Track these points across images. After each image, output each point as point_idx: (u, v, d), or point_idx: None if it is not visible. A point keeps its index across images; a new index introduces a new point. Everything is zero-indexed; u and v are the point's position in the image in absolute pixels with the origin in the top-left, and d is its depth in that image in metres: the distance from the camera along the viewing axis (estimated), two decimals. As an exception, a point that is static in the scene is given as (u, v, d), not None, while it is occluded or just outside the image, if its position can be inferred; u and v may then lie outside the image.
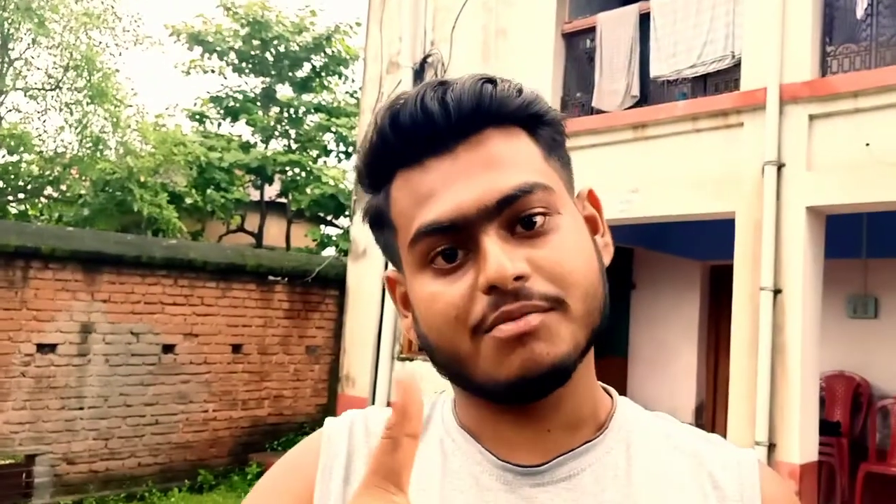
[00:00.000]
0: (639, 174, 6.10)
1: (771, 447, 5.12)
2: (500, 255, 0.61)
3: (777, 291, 5.25)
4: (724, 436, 4.97)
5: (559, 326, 0.63)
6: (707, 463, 0.70)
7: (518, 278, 0.61)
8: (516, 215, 0.64)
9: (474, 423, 0.71)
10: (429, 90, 0.66)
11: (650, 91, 6.45)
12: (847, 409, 6.34)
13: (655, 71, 6.27)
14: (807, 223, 5.26)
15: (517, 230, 0.64)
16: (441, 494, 0.67)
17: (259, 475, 7.01)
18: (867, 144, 5.05)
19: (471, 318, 0.62)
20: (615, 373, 7.67)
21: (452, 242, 0.64)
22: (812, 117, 5.31)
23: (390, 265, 0.75)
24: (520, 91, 0.68)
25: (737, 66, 5.82)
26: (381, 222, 0.71)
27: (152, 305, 6.83)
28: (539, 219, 0.64)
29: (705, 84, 6.14)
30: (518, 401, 0.66)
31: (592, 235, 0.71)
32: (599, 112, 6.56)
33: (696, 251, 7.22)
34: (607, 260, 0.71)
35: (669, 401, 7.57)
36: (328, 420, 0.77)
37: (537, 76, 6.86)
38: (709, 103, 5.87)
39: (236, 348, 7.35)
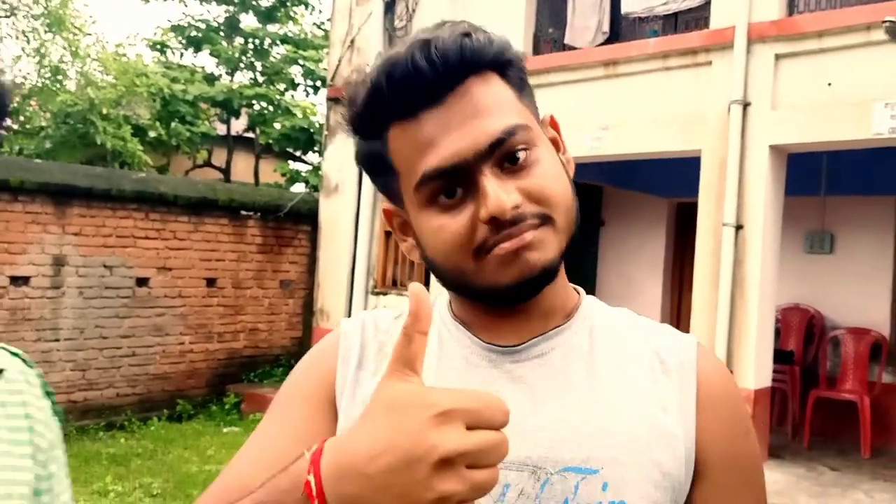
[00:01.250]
0: (609, 112, 6.20)
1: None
2: (497, 192, 0.72)
3: (739, 227, 5.46)
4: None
5: (547, 237, 0.76)
6: (654, 343, 0.84)
7: (515, 208, 0.73)
8: (504, 154, 0.75)
9: (466, 316, 0.85)
10: (416, 49, 0.73)
11: (622, 28, 6.48)
12: (801, 339, 6.67)
13: (627, 7, 6.30)
14: (770, 161, 5.44)
15: (505, 166, 0.75)
16: (437, 373, 0.80)
17: (237, 405, 7.19)
18: (829, 84, 5.20)
19: (474, 242, 0.75)
20: (581, 306, 7.94)
21: (453, 183, 0.75)
22: (778, 57, 5.43)
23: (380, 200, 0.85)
24: (491, 41, 0.78)
25: (707, 3, 5.88)
26: (378, 167, 0.81)
27: (124, 239, 6.83)
28: (522, 154, 0.75)
29: (676, 22, 6.20)
30: (516, 301, 0.79)
31: (558, 152, 0.82)
32: (571, 48, 6.59)
33: (664, 189, 7.40)
34: (571, 173, 0.83)
35: (633, 332, 7.89)
36: (343, 320, 0.91)
37: (510, 12, 6.84)
38: (679, 41, 5.95)
39: (210, 282, 7.42)
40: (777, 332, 6.68)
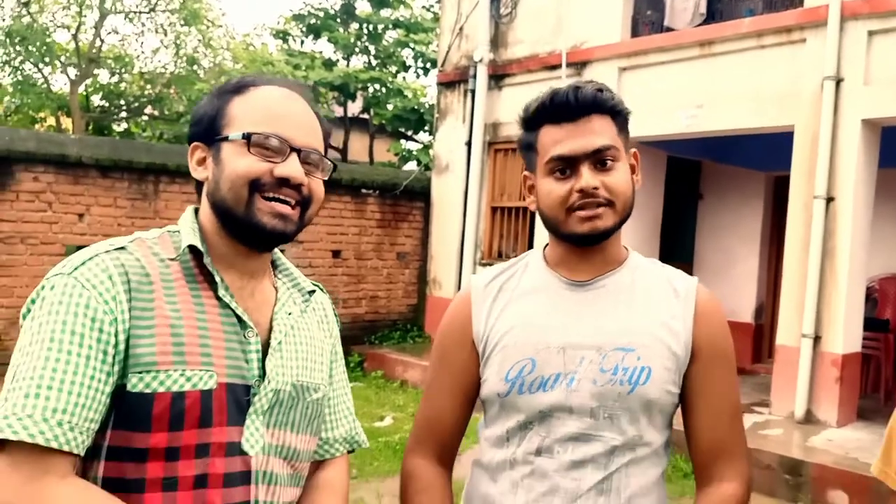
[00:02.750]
0: (705, 90, 6.47)
1: (816, 339, 5.67)
2: (588, 176, 1.25)
3: (830, 199, 5.67)
4: (773, 330, 5.60)
5: (607, 214, 1.27)
6: (672, 280, 1.35)
7: (595, 188, 1.26)
8: (598, 159, 1.26)
9: (555, 259, 1.37)
10: (571, 89, 1.27)
11: (718, 8, 6.71)
12: (897, 308, 6.77)
13: (724, -12, 6.52)
14: (861, 135, 5.60)
15: (597, 166, 1.27)
16: (532, 299, 1.34)
17: (360, 364, 8.03)
18: (923, 59, 5.32)
19: (567, 203, 1.27)
20: (680, 276, 8.23)
21: (566, 165, 1.27)
22: (871, 33, 5.56)
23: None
24: (612, 98, 1.30)
25: (803, -18, 6.04)
26: (529, 147, 1.33)
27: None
28: (608, 162, 1.27)
29: (771, 2, 6.38)
30: (584, 244, 1.31)
31: (632, 174, 1.34)
32: (669, 30, 6.87)
33: (761, 163, 7.56)
34: (637, 187, 1.36)
35: (730, 303, 8.09)
36: (474, 276, 1.46)
37: (610, -5, 7.19)
38: (774, 20, 6.14)
39: (336, 254, 8.26)
40: (874, 302, 6.81)
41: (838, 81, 5.66)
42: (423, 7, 15.55)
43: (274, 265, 1.25)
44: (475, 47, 8.30)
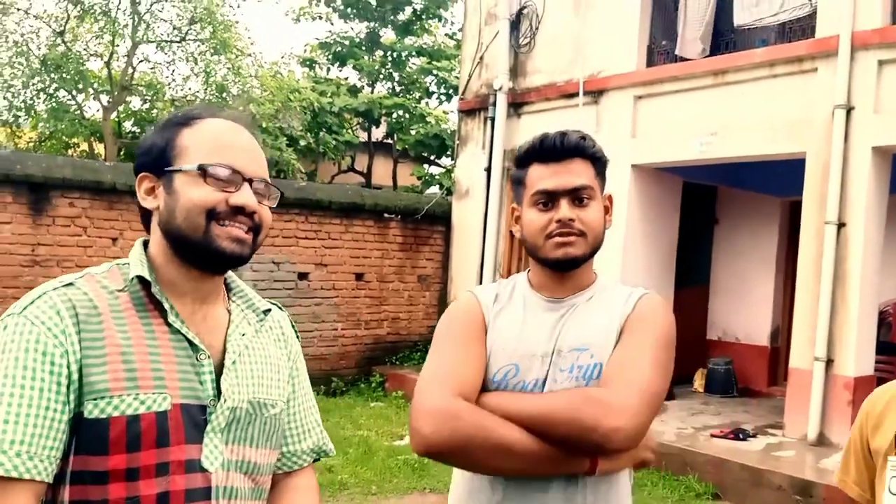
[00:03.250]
0: (718, 118, 6.62)
1: (829, 363, 5.75)
2: (566, 210, 1.48)
3: (841, 225, 5.78)
4: (788, 353, 5.69)
5: (580, 243, 1.49)
6: (628, 294, 1.55)
7: (571, 220, 1.48)
8: (576, 196, 1.49)
9: (537, 281, 1.58)
10: (558, 135, 1.50)
11: (732, 39, 6.88)
12: (914, 333, 6.81)
13: (739, 20, 6.66)
14: (872, 162, 5.71)
15: (575, 202, 1.49)
16: (520, 314, 1.54)
17: (381, 384, 8.21)
18: (931, 89, 5.44)
19: (546, 231, 1.49)
20: (697, 300, 8.33)
21: (547, 199, 1.49)
22: (881, 63, 5.69)
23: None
24: (593, 145, 1.54)
25: (813, 13, 6.19)
26: (519, 182, 1.56)
27: (288, 239, 8.01)
28: (585, 200, 1.50)
29: (783, 31, 6.53)
30: (560, 269, 1.52)
31: (605, 214, 1.56)
32: (682, 59, 7.04)
33: (776, 188, 7.67)
34: (608, 227, 1.57)
35: (746, 326, 8.19)
36: (475, 288, 1.66)
37: (625, 25, 7.38)
38: (786, 50, 6.29)
39: (359, 276, 8.50)
40: (889, 326, 6.86)
41: (849, 110, 5.79)
42: (447, 35, 15.90)
43: (228, 288, 1.30)
44: (495, 76, 8.54)
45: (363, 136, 14.86)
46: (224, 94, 15.18)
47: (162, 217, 1.20)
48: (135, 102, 15.16)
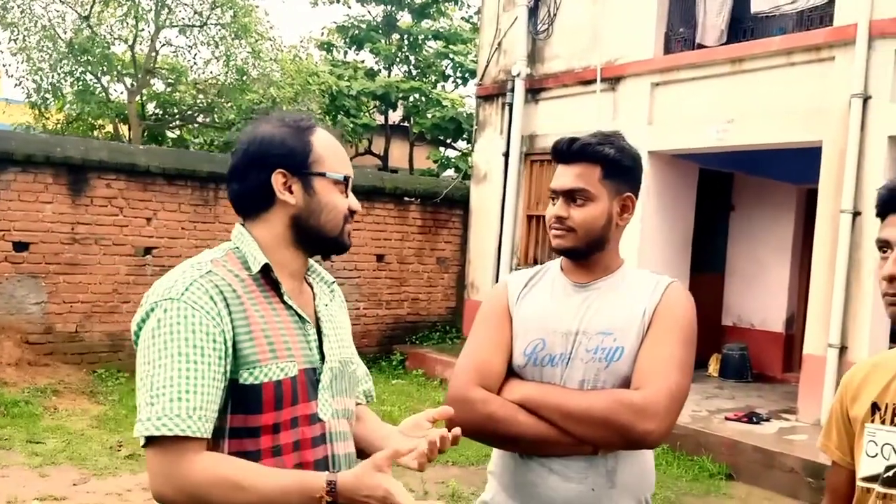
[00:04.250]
0: (735, 105, 6.68)
1: (842, 349, 5.85)
2: (560, 208, 1.67)
3: (856, 213, 5.85)
4: (802, 340, 5.80)
5: (569, 238, 1.66)
6: (652, 282, 1.70)
7: (561, 217, 1.66)
8: (571, 196, 1.66)
9: (565, 265, 1.76)
10: (567, 140, 1.67)
11: (750, 27, 6.91)
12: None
13: (756, 7, 6.68)
14: (888, 151, 5.77)
15: (570, 202, 1.66)
16: (547, 294, 1.73)
17: (402, 363, 8.39)
18: (948, 79, 5.48)
19: (549, 223, 1.70)
20: (712, 286, 8.41)
21: (554, 195, 1.69)
22: (899, 52, 5.73)
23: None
24: (604, 148, 1.66)
25: (831, 1, 6.21)
26: None
27: (313, 221, 8.19)
28: (580, 200, 1.65)
29: (801, 19, 6.56)
30: (563, 255, 1.71)
31: (620, 214, 1.69)
32: (701, 46, 7.09)
33: (793, 176, 7.70)
34: (623, 224, 1.72)
35: (761, 313, 8.28)
36: (510, 274, 1.84)
37: (643, 12, 7.43)
38: (803, 38, 6.33)
39: (380, 258, 8.68)
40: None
41: (866, 99, 5.84)
42: (463, 18, 15.90)
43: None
44: (513, 62, 8.62)
45: (380, 119, 14.96)
46: (244, 78, 15.31)
47: (301, 212, 1.41)
48: (158, 85, 15.35)
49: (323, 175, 1.40)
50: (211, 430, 1.27)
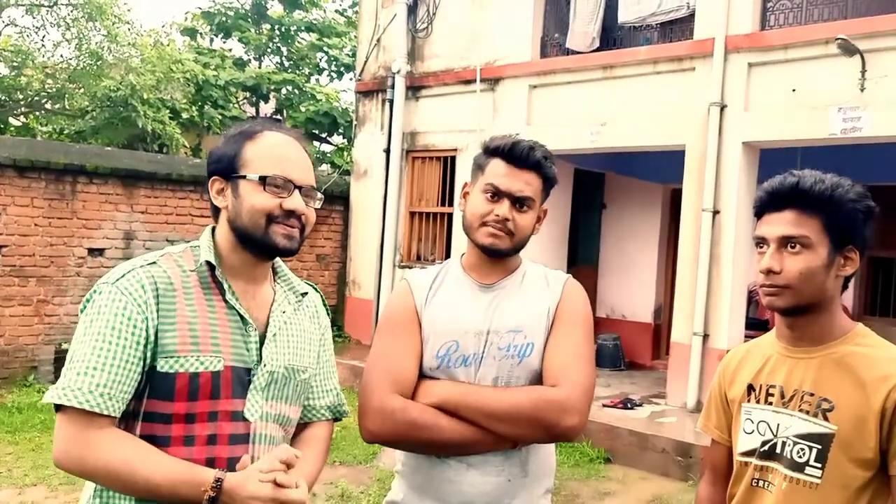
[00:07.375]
0: (607, 109, 7.06)
1: (705, 337, 6.35)
2: (506, 210, 1.68)
3: (716, 212, 6.36)
4: (670, 329, 6.22)
5: (506, 240, 1.69)
6: (547, 277, 1.78)
7: (506, 219, 1.67)
8: (517, 202, 1.69)
9: (469, 264, 1.78)
10: (527, 147, 1.69)
11: (619, 36, 7.31)
12: (775, 309, 7.57)
13: (623, 17, 7.10)
14: (742, 155, 6.30)
15: (515, 206, 1.69)
16: (455, 295, 1.75)
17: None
18: (794, 90, 6.06)
19: (484, 218, 1.69)
20: (586, 279, 8.81)
21: (496, 194, 1.69)
22: (751, 65, 6.26)
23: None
24: (550, 166, 1.73)
25: (692, 15, 6.68)
26: (479, 167, 1.74)
27: (183, 217, 7.83)
28: (525, 208, 1.70)
29: (665, 32, 7.02)
30: (486, 254, 1.73)
31: (536, 223, 1.75)
32: (573, 52, 7.41)
33: (660, 176, 8.22)
34: (536, 232, 1.78)
35: (632, 304, 8.78)
36: (411, 273, 1.84)
37: (520, 16, 7.68)
38: (667, 49, 6.79)
39: (256, 255, 8.42)
40: (756, 304, 7.60)
41: (722, 107, 6.34)
42: (337, 11, 15.70)
43: (275, 272, 1.57)
44: (393, 59, 8.64)
45: (251, 112, 14.50)
46: (99, 63, 14.37)
47: (230, 215, 1.46)
48: (1, 69, 14.09)
49: (244, 177, 1.43)
50: (118, 409, 1.32)
